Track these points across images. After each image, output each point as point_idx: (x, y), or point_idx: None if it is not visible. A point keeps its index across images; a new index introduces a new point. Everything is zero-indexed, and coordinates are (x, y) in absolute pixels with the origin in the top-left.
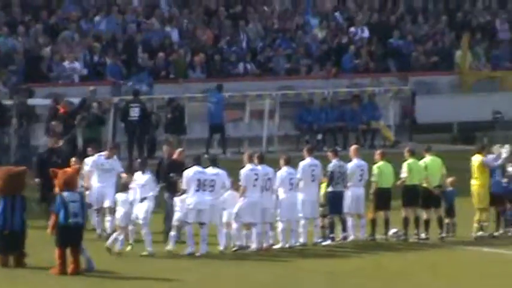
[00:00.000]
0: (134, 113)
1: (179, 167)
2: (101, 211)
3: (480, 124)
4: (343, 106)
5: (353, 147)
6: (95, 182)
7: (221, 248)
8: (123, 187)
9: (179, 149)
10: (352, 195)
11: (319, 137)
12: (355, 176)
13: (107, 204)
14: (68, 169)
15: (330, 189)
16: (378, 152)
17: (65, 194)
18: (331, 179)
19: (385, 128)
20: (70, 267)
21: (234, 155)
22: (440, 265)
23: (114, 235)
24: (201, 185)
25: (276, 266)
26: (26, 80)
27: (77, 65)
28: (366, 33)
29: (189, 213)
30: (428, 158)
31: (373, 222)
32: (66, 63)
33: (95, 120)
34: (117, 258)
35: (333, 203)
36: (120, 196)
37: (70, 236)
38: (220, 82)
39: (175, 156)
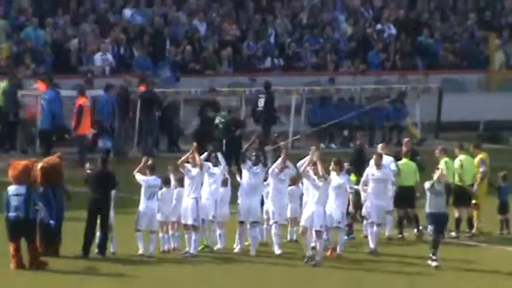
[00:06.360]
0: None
1: None
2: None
3: (507, 123)
4: (370, 103)
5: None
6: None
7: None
8: None
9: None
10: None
11: (345, 133)
12: None
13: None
14: (20, 163)
15: None
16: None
17: (11, 187)
18: None
19: (411, 126)
20: (28, 262)
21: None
22: (465, 264)
23: None
24: None
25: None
26: (54, 72)
27: (109, 56)
28: (393, 30)
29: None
30: (462, 156)
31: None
32: (98, 55)
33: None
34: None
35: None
36: None
37: (14, 229)
38: (247, 76)
39: None
